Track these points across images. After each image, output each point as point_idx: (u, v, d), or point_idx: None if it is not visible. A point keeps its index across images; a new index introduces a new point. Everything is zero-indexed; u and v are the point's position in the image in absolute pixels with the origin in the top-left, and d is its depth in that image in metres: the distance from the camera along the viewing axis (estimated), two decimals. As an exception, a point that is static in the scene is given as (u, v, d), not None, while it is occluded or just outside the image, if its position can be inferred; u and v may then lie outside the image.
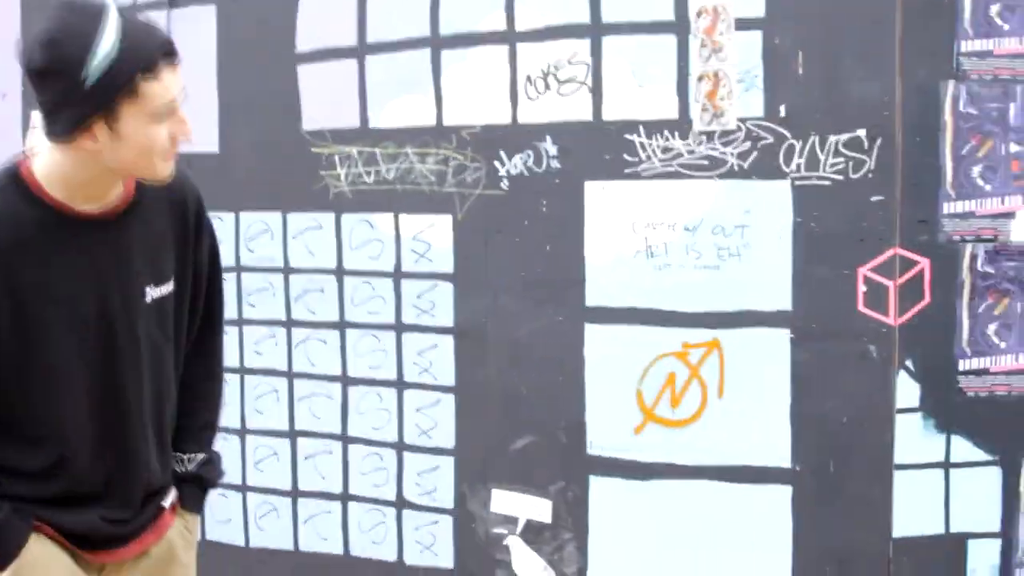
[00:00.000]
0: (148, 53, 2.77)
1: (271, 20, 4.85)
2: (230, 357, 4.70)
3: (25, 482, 2.99)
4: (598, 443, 4.44)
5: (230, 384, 4.96)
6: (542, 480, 4.56)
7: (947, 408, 4.05)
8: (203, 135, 4.81)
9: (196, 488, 3.42)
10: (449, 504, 4.75)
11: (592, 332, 4.41)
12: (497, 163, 4.51)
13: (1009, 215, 3.95)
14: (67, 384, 3.00)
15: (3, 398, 2.95)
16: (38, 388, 2.97)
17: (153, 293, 3.11)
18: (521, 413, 4.57)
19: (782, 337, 4.16)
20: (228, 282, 4.44)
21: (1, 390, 2.94)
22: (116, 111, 2.76)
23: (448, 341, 4.70)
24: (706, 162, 4.19)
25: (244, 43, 4.94)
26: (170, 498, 3.33)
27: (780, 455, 4.20)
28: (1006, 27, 3.90)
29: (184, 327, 3.30)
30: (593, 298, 4.40)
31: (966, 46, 3.92)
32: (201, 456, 3.42)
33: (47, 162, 2.89)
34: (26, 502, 2.99)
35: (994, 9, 3.90)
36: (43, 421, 2.99)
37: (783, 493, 4.21)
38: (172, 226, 3.18)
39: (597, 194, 4.35)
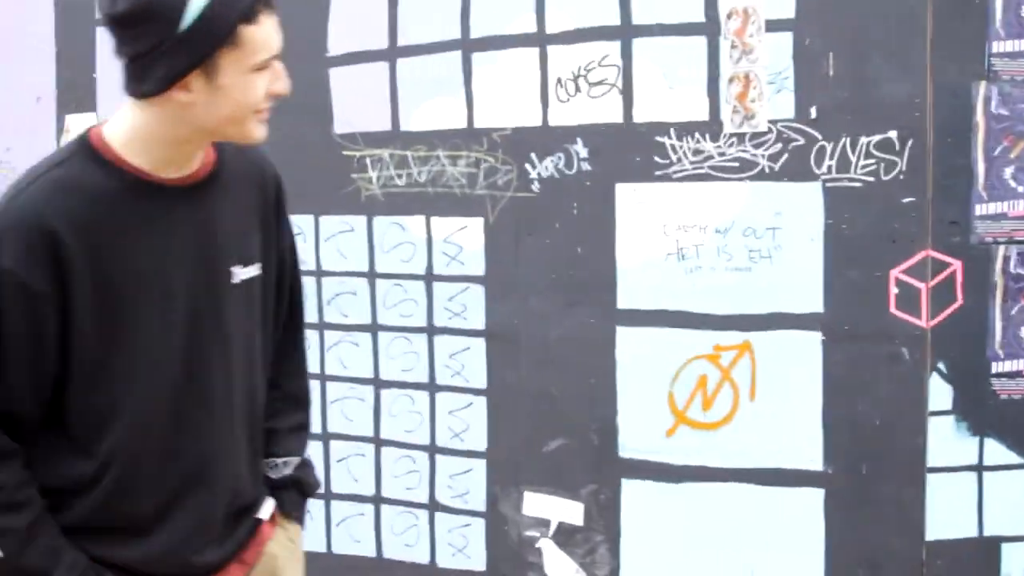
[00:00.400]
0: None
1: (302, 23, 4.85)
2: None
3: (78, 503, 2.66)
4: (630, 445, 4.44)
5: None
6: (574, 483, 4.55)
7: (980, 411, 4.03)
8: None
9: (296, 494, 3.10)
10: (481, 507, 4.75)
11: (623, 334, 4.41)
12: (528, 165, 4.51)
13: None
14: (145, 378, 2.66)
15: (64, 396, 2.63)
16: (109, 382, 2.63)
17: (240, 274, 2.79)
18: (553, 416, 4.57)
19: (814, 339, 4.14)
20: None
21: (62, 386, 2.62)
22: (214, 60, 2.50)
23: (480, 344, 4.70)
24: (737, 164, 4.18)
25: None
26: (267, 508, 2.99)
27: (812, 458, 4.18)
28: (1036, 28, 3.89)
29: (271, 318, 2.98)
30: (624, 300, 4.40)
31: (997, 47, 3.89)
32: (296, 459, 3.08)
33: (127, 125, 2.63)
34: (85, 534, 2.66)
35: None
36: (105, 423, 2.65)
37: (815, 496, 4.19)
38: (255, 203, 2.89)
39: (628, 196, 4.35)
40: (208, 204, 2.74)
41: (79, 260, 2.55)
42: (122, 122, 2.65)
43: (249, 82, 2.56)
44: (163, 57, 2.48)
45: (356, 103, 4.81)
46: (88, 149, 2.63)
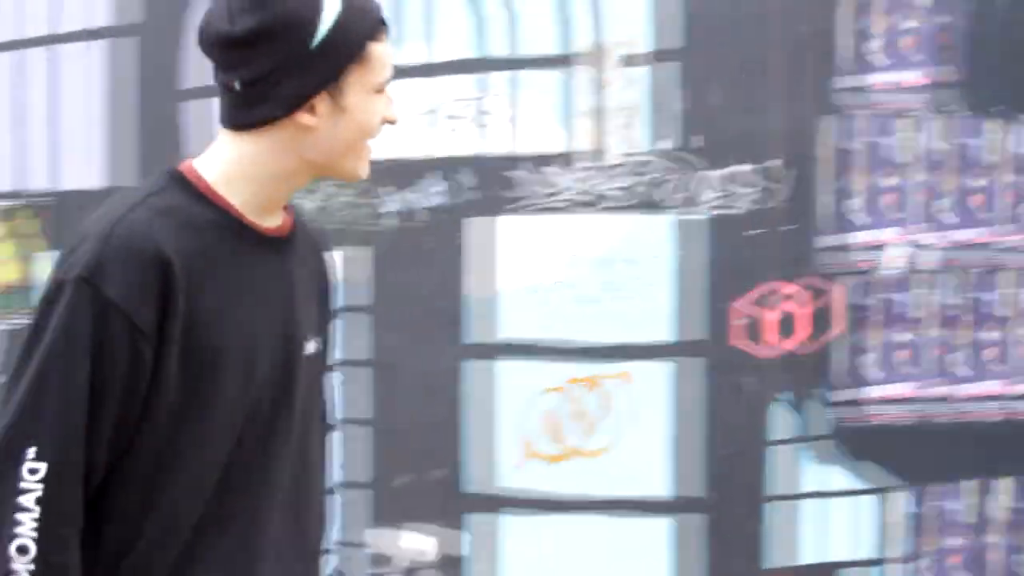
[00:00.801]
0: (374, 13, 2.33)
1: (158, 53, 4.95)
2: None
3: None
4: (477, 479, 4.51)
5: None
6: (448, 514, 4.57)
7: (854, 436, 4.08)
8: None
9: None
10: (360, 539, 4.75)
11: (472, 367, 4.49)
12: (412, 195, 4.56)
13: (883, 247, 4.00)
14: (201, 443, 2.29)
15: (116, 460, 2.25)
16: (168, 441, 2.27)
17: (309, 347, 2.44)
18: (432, 446, 4.59)
19: (667, 370, 4.20)
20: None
21: (118, 449, 2.24)
22: (342, 80, 2.28)
23: (364, 374, 4.73)
24: (596, 196, 4.24)
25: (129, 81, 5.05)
26: None
27: (664, 487, 4.22)
28: (883, 63, 3.97)
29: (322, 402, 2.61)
30: (475, 334, 4.49)
31: (844, 81, 3.98)
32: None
33: (224, 158, 2.34)
34: None
35: (872, 45, 3.96)
36: (149, 486, 2.27)
37: (666, 525, 4.23)
38: (317, 273, 2.57)
39: (488, 228, 4.43)
40: (290, 264, 2.44)
41: (182, 298, 2.23)
42: (217, 156, 2.37)
43: (370, 103, 2.33)
44: (291, 76, 2.28)
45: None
46: (183, 181, 2.33)
